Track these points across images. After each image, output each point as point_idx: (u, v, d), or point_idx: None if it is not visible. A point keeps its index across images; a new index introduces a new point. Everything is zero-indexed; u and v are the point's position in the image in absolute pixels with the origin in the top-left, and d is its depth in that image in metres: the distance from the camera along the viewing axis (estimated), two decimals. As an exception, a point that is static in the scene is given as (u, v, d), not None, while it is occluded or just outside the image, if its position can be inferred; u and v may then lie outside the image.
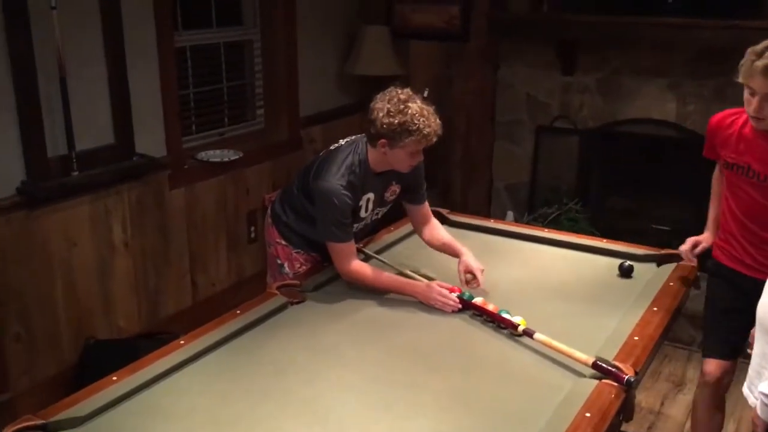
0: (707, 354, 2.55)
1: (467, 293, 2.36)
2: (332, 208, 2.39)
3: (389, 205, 2.69)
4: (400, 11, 4.62)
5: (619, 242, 2.85)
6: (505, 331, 2.21)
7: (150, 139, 3.41)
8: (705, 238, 2.57)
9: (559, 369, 2.01)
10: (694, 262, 2.55)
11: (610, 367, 1.91)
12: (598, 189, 4.64)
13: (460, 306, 2.33)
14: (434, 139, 2.36)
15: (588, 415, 1.74)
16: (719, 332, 2.50)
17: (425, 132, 2.31)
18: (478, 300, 2.31)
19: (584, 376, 1.94)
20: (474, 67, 4.60)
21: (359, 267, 2.47)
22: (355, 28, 4.50)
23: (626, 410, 1.89)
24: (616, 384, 1.88)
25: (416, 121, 2.29)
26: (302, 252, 2.68)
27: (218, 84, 3.93)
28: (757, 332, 1.79)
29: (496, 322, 2.24)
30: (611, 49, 4.18)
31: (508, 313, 2.21)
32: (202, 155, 3.74)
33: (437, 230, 2.69)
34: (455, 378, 1.98)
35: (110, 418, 1.76)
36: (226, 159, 3.77)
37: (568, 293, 2.49)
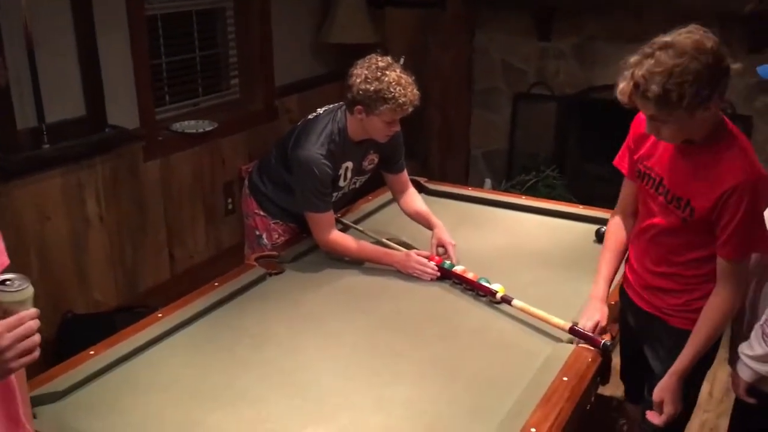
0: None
1: (447, 262, 2.37)
2: (312, 177, 2.37)
3: (368, 174, 2.67)
4: (376, -23, 4.55)
5: (596, 208, 2.87)
6: (484, 299, 2.22)
7: (122, 110, 3.35)
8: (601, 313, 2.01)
9: (537, 335, 2.03)
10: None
11: (586, 332, 1.94)
12: (575, 155, 4.66)
13: (438, 274, 2.34)
14: (410, 109, 2.34)
15: (565, 379, 1.77)
16: (633, 379, 2.17)
17: (401, 101, 2.29)
18: (458, 268, 2.32)
19: (562, 341, 1.97)
20: (450, 35, 4.56)
21: (338, 237, 2.47)
22: (330, -5, 4.44)
23: (603, 374, 1.92)
24: (592, 348, 1.90)
25: (392, 90, 2.28)
26: (280, 222, 2.67)
27: (191, 53, 3.86)
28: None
29: (475, 289, 2.26)
30: (587, 14, 4.17)
31: (487, 281, 2.23)
32: (177, 126, 3.68)
33: (413, 200, 2.69)
34: (435, 346, 1.99)
35: (89, 391, 1.75)
36: (201, 130, 3.72)
37: (545, 260, 2.51)
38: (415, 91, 2.34)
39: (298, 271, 2.41)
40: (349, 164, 2.50)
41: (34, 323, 1.09)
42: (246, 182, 2.79)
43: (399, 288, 2.32)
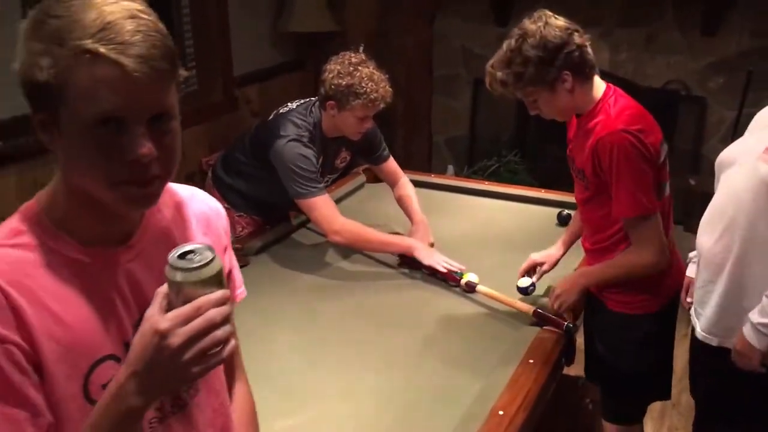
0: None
1: None
2: (300, 160, 2.31)
3: (338, 173, 2.67)
4: (333, -36, 4.51)
5: (557, 191, 2.91)
6: (449, 286, 2.24)
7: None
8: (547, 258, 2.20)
9: (502, 319, 2.06)
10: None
11: (550, 315, 1.97)
12: (535, 139, 4.70)
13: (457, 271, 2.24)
14: (381, 105, 2.35)
15: (531, 361, 1.79)
16: (591, 356, 2.19)
17: (372, 96, 2.29)
18: None
19: (526, 324, 1.99)
20: (410, 20, 4.55)
21: (347, 224, 2.36)
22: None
23: (567, 355, 1.96)
24: (556, 330, 1.93)
25: (364, 85, 2.27)
26: (244, 215, 2.64)
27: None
28: (699, 265, 1.86)
29: (439, 276, 2.27)
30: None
31: (460, 274, 2.23)
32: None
33: (402, 192, 2.64)
34: (402, 334, 2.00)
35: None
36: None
37: (509, 244, 2.53)
38: (387, 87, 2.34)
39: (263, 264, 2.40)
40: (321, 160, 2.49)
41: (216, 312, 0.79)
42: (209, 174, 2.76)
43: (367, 279, 2.33)
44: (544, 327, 1.96)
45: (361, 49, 2.42)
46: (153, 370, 0.79)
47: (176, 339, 0.77)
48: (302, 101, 2.51)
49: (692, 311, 1.93)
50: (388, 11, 4.56)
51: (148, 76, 0.80)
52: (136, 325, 0.87)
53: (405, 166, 2.83)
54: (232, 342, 0.82)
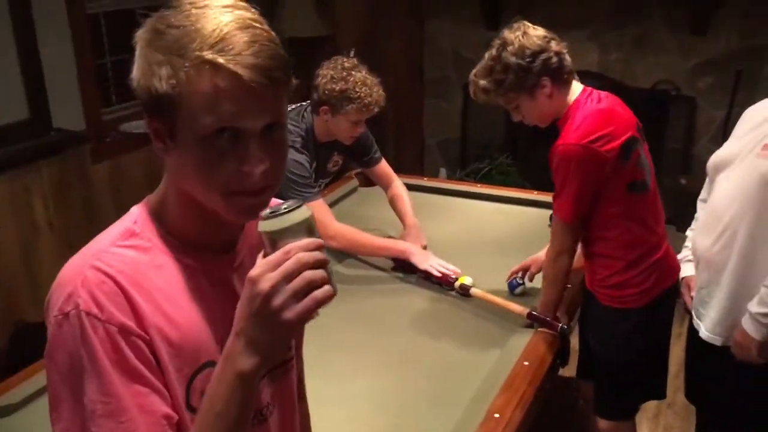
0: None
1: None
2: (294, 166, 2.30)
3: (330, 177, 2.67)
4: (323, -31, 4.52)
5: (549, 193, 2.90)
6: (444, 289, 2.24)
7: (68, 112, 3.25)
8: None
9: (496, 321, 2.06)
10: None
11: (544, 317, 1.97)
12: (526, 141, 4.71)
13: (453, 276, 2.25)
14: (375, 110, 2.36)
15: (526, 363, 1.79)
16: (583, 355, 2.30)
17: (366, 101, 2.29)
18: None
19: (521, 326, 1.99)
20: (400, 24, 4.56)
21: (342, 228, 2.38)
22: (277, -13, 4.39)
23: (562, 356, 1.96)
24: (550, 332, 1.94)
25: (358, 90, 2.28)
26: None
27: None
28: (698, 267, 1.88)
29: (434, 280, 2.27)
30: (533, 3, 4.21)
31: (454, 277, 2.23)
32: (125, 126, 3.60)
33: (395, 192, 2.65)
34: (397, 337, 2.00)
35: (45, 403, 1.71)
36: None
37: (502, 246, 2.54)
38: (380, 92, 2.35)
39: (256, 269, 2.39)
40: (314, 165, 2.49)
41: (307, 255, 0.78)
42: None
43: (360, 282, 2.32)
44: (539, 329, 1.96)
45: (353, 53, 2.42)
46: (251, 324, 0.79)
47: (266, 283, 0.77)
48: (294, 106, 2.51)
49: (693, 312, 1.94)
50: (378, 15, 4.56)
51: (264, 86, 0.81)
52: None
53: (397, 169, 2.84)
54: (328, 288, 0.79)
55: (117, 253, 0.87)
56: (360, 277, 2.35)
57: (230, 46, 0.80)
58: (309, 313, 0.78)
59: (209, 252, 0.92)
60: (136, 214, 0.92)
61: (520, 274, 2.21)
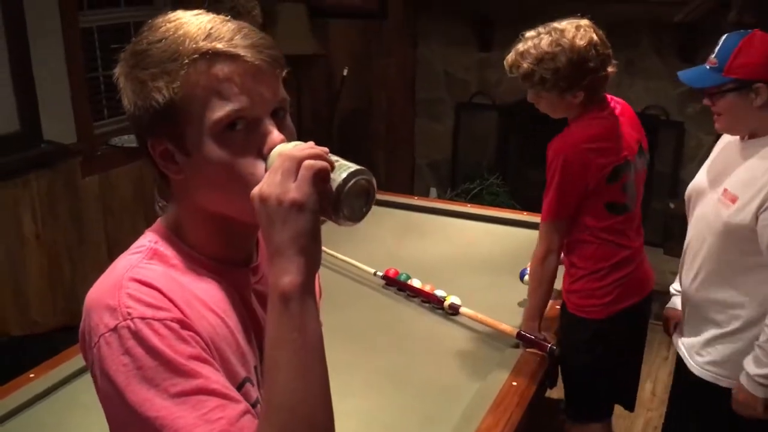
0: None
1: (404, 274, 2.36)
2: None
3: None
4: (317, -12, 4.55)
5: (539, 214, 2.92)
6: (432, 307, 2.24)
7: (58, 125, 3.25)
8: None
9: (485, 341, 2.06)
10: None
11: (533, 337, 1.97)
12: (516, 163, 4.74)
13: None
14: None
15: (515, 383, 1.79)
16: None
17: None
18: (414, 282, 2.32)
19: (510, 346, 1.99)
20: (393, 45, 4.59)
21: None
22: (270, 5, 4.41)
23: (551, 377, 1.96)
24: (539, 353, 1.94)
25: None
26: None
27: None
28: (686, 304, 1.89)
29: (421, 297, 2.27)
30: (525, 25, 4.25)
31: (443, 295, 2.23)
32: (116, 140, 3.60)
33: None
34: (385, 356, 1.99)
35: (30, 415, 1.69)
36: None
37: (492, 266, 2.54)
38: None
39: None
40: None
41: (295, 150, 0.78)
42: None
43: (347, 298, 2.32)
44: (528, 349, 1.96)
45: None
46: (273, 233, 0.76)
47: (264, 186, 0.77)
48: None
49: (680, 347, 1.94)
50: (371, 36, 4.60)
51: (265, 63, 0.81)
52: (261, 346, 0.86)
53: (386, 188, 2.84)
54: (318, 150, 0.77)
55: (148, 268, 0.83)
56: (349, 292, 2.35)
57: (221, 35, 0.80)
58: (308, 182, 0.75)
59: (230, 267, 0.90)
60: (154, 237, 0.89)
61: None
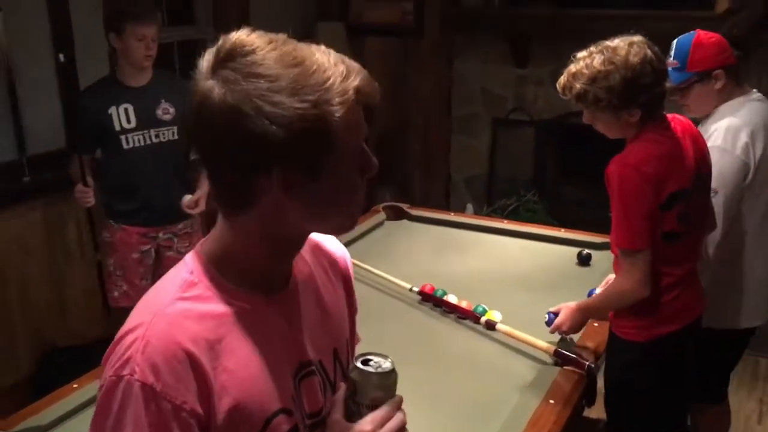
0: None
1: (439, 290, 2.36)
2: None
3: (167, 126, 2.79)
4: (355, 7, 4.61)
5: (577, 231, 2.90)
6: (468, 323, 2.23)
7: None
8: None
9: (521, 358, 2.04)
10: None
11: (571, 354, 1.95)
12: (554, 179, 4.71)
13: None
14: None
15: (552, 402, 1.77)
16: None
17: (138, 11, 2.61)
18: (451, 298, 2.32)
19: (547, 364, 1.98)
20: (429, 63, 4.62)
21: None
22: (310, 24, 4.48)
23: (589, 396, 1.93)
24: (577, 371, 1.91)
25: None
26: None
27: (172, 84, 3.87)
28: None
29: (457, 313, 2.27)
30: (562, 41, 4.24)
31: (484, 309, 2.21)
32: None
33: None
34: (419, 371, 1.99)
35: (73, 426, 1.73)
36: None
37: (529, 283, 2.52)
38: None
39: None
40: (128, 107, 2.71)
41: (402, 414, 0.96)
42: None
43: (382, 312, 2.32)
44: (565, 367, 1.94)
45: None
46: None
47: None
48: None
49: None
50: (407, 54, 4.64)
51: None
52: (295, 375, 0.91)
53: (422, 204, 2.85)
54: None
55: (181, 309, 0.84)
56: (385, 307, 2.35)
57: (353, 76, 0.84)
58: None
59: (267, 291, 0.90)
60: (192, 265, 0.89)
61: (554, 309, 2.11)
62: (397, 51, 4.65)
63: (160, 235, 2.87)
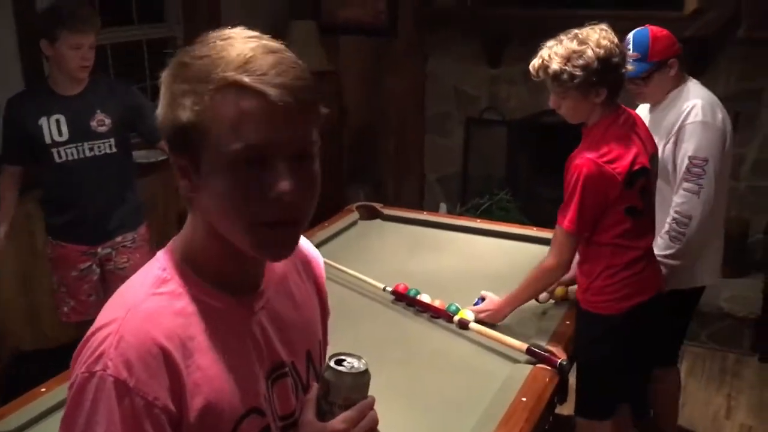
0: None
1: (413, 290, 2.36)
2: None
3: (102, 138, 2.62)
4: (327, 6, 4.60)
5: (549, 230, 2.91)
6: (441, 322, 2.23)
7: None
8: None
9: (495, 356, 2.05)
10: None
11: (543, 352, 1.96)
12: (527, 178, 4.74)
13: None
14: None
15: (524, 399, 1.78)
16: None
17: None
18: (424, 297, 2.32)
19: (519, 362, 1.99)
20: (403, 62, 4.62)
21: None
22: (282, 23, 4.46)
23: (560, 393, 1.95)
24: (549, 368, 1.93)
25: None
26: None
27: (142, 83, 3.82)
28: None
29: (430, 312, 2.27)
30: (535, 42, 4.27)
31: (457, 308, 2.23)
32: (136, 156, 3.62)
33: None
34: (394, 370, 1.99)
35: (41, 430, 1.70)
36: (153, 159, 3.67)
37: (502, 281, 2.53)
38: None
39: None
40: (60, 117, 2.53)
41: (375, 413, 0.97)
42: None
43: (355, 312, 2.32)
44: (537, 364, 1.95)
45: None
46: None
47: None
48: None
49: None
50: (381, 52, 4.63)
51: (291, 106, 0.78)
52: (268, 377, 0.90)
53: (396, 204, 2.85)
54: None
55: (155, 304, 0.83)
56: (358, 308, 2.35)
57: (255, 68, 0.78)
58: None
59: (236, 292, 0.89)
60: (163, 260, 0.88)
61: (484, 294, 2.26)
62: (371, 50, 4.64)
63: (99, 250, 2.72)
